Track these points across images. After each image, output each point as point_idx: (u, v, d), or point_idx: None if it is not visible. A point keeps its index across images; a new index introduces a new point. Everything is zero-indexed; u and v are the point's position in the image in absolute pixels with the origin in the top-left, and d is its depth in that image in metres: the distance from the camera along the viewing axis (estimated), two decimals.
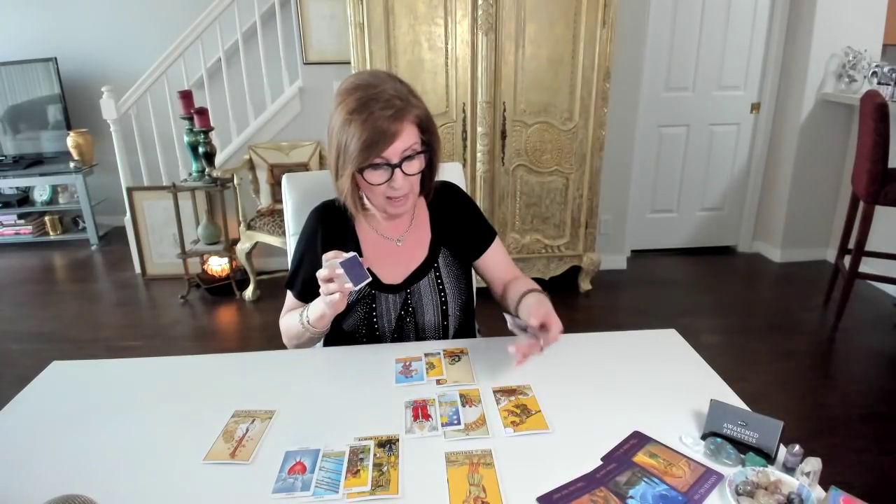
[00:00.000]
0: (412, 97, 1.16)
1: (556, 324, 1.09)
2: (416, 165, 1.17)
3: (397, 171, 1.14)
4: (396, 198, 1.18)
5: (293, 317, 1.26)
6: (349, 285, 1.04)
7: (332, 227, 1.30)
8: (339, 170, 1.16)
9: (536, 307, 1.12)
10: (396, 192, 1.17)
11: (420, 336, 1.33)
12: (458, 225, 1.36)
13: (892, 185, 2.60)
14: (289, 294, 1.35)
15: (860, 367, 2.64)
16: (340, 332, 1.32)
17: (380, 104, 1.10)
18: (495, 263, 1.37)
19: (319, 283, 1.07)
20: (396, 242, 1.32)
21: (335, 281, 1.05)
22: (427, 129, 1.19)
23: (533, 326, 1.07)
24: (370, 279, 1.07)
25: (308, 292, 1.28)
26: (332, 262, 1.04)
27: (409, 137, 1.13)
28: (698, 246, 3.95)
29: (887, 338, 2.86)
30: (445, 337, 1.35)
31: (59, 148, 4.28)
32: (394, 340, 1.32)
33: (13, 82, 4.24)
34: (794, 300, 3.27)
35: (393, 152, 1.12)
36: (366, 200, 1.25)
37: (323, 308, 1.13)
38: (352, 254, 1.04)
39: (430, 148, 1.20)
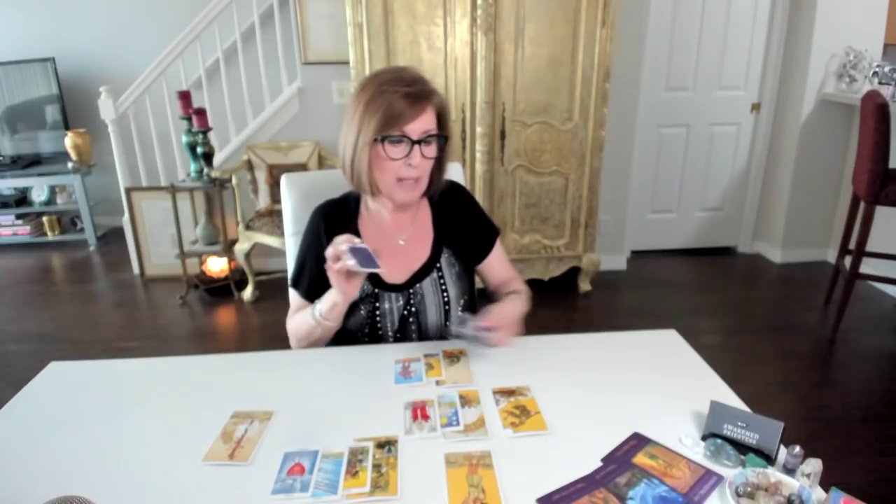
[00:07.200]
0: (434, 87, 1.22)
1: (505, 328, 1.17)
2: (432, 150, 1.22)
3: (416, 147, 1.18)
4: (406, 180, 1.21)
5: (301, 315, 1.27)
6: (351, 262, 1.06)
7: (335, 224, 1.30)
8: (359, 143, 1.19)
9: (497, 310, 1.23)
10: (411, 172, 1.20)
11: (423, 336, 1.33)
12: (462, 226, 1.37)
13: (893, 185, 2.59)
14: (294, 294, 1.34)
15: (861, 368, 2.63)
16: (343, 332, 1.31)
17: (406, 82, 1.17)
18: (493, 266, 1.40)
19: (327, 261, 1.10)
20: (399, 241, 1.32)
21: (341, 259, 1.08)
22: (444, 121, 1.24)
23: (479, 327, 1.15)
24: (380, 268, 1.09)
25: (315, 291, 1.28)
26: (341, 246, 1.07)
27: (429, 120, 1.19)
28: (698, 246, 3.95)
29: (888, 339, 2.86)
30: (447, 337, 1.35)
31: (57, 148, 4.27)
32: (396, 340, 1.31)
33: (11, 82, 4.23)
34: (794, 301, 3.27)
35: (413, 130, 1.17)
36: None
37: (334, 296, 1.16)
38: (364, 245, 1.08)
39: (444, 139, 1.24)
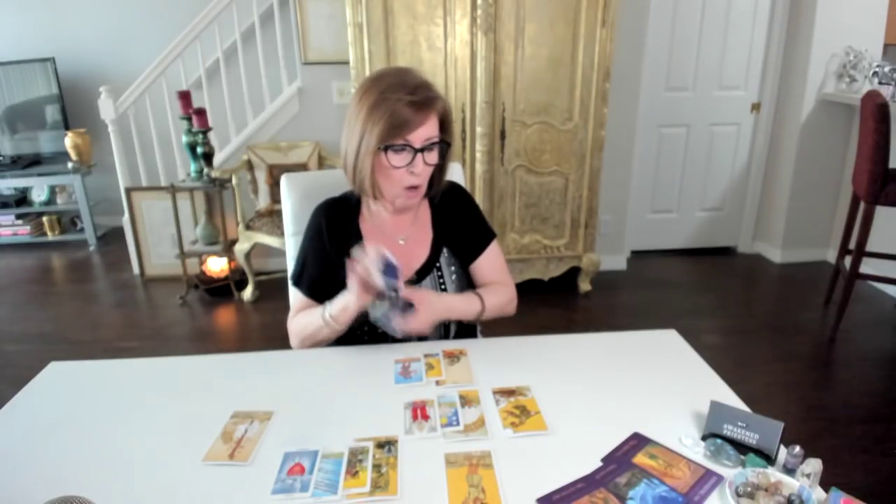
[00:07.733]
0: (438, 91, 1.20)
1: (419, 313, 1.16)
2: (434, 157, 1.21)
3: (419, 156, 1.17)
4: (411, 187, 1.21)
5: (308, 315, 1.26)
6: (379, 281, 1.07)
7: (336, 223, 1.30)
8: (362, 150, 1.18)
9: (423, 292, 1.22)
10: (415, 180, 1.19)
11: (422, 336, 1.32)
12: (460, 226, 1.37)
13: (893, 185, 2.59)
14: (296, 294, 1.34)
15: (861, 368, 2.63)
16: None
17: (409, 89, 1.14)
18: (483, 268, 1.39)
19: (352, 263, 1.10)
20: (399, 241, 1.32)
21: (366, 270, 1.09)
22: (446, 126, 1.23)
23: (397, 295, 1.14)
24: (401, 286, 1.10)
25: (318, 289, 1.28)
26: (372, 262, 1.08)
27: (432, 127, 1.18)
28: (698, 246, 3.95)
29: (888, 339, 2.86)
30: (447, 337, 1.35)
31: (57, 148, 4.27)
32: (396, 340, 1.31)
33: (11, 82, 4.23)
34: (794, 301, 3.27)
35: (417, 137, 1.16)
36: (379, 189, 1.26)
37: (347, 301, 1.16)
38: (395, 262, 1.08)
39: (446, 145, 1.23)
